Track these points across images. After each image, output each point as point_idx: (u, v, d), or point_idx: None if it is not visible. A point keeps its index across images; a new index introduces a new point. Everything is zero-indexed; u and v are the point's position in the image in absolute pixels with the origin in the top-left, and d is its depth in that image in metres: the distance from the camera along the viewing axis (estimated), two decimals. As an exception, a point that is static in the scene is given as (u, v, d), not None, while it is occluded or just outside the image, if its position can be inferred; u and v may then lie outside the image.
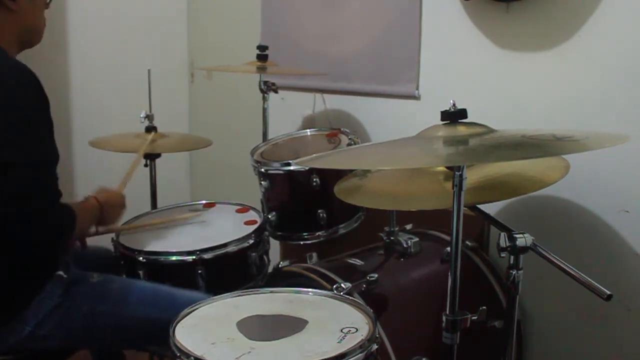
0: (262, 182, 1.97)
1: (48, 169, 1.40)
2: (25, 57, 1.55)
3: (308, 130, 2.22)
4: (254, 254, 1.83)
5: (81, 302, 1.52)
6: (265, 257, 1.93)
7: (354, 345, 1.17)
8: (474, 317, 1.30)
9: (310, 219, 1.92)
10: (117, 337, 1.58)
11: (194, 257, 1.72)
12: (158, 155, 2.28)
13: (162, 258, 1.74)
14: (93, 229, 1.66)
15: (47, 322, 1.47)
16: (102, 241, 1.89)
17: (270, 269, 1.93)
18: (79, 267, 1.60)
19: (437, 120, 1.33)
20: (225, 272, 1.77)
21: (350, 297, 1.42)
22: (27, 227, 1.34)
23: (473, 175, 1.46)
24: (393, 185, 1.61)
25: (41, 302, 1.47)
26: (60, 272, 1.51)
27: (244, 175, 2.26)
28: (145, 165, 2.27)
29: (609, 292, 1.16)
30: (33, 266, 1.48)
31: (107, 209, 1.63)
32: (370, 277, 1.62)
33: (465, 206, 1.28)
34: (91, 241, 1.75)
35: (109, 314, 1.54)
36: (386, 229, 1.88)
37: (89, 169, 2.76)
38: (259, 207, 2.06)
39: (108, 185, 1.74)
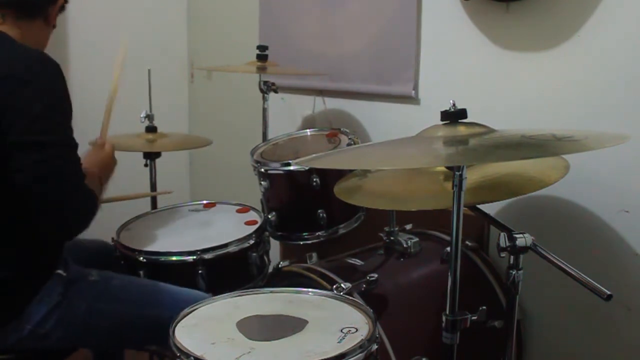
0: (262, 182, 1.96)
1: (75, 151, 1.47)
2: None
3: (308, 130, 2.22)
4: (254, 254, 1.83)
5: (81, 300, 1.52)
6: (265, 257, 1.93)
7: (354, 345, 1.17)
8: (474, 317, 1.30)
9: (310, 219, 1.92)
10: (117, 335, 1.58)
11: (194, 257, 1.72)
12: (158, 155, 2.28)
13: (162, 258, 1.74)
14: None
15: (47, 320, 1.48)
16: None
17: (270, 269, 1.93)
18: (78, 262, 1.60)
19: (437, 120, 1.33)
20: (226, 272, 1.78)
21: (350, 297, 1.42)
22: (62, 202, 1.40)
23: (473, 175, 1.46)
24: (393, 185, 1.61)
25: (41, 301, 1.47)
26: (60, 271, 1.51)
27: (244, 175, 2.25)
28: (145, 165, 2.27)
29: (609, 292, 1.16)
30: (33, 265, 1.48)
31: (104, 176, 1.70)
32: (370, 277, 1.62)
33: (465, 206, 1.28)
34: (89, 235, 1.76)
35: (109, 311, 1.54)
36: (386, 229, 1.88)
37: (89, 169, 2.75)
38: (258, 207, 2.06)
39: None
